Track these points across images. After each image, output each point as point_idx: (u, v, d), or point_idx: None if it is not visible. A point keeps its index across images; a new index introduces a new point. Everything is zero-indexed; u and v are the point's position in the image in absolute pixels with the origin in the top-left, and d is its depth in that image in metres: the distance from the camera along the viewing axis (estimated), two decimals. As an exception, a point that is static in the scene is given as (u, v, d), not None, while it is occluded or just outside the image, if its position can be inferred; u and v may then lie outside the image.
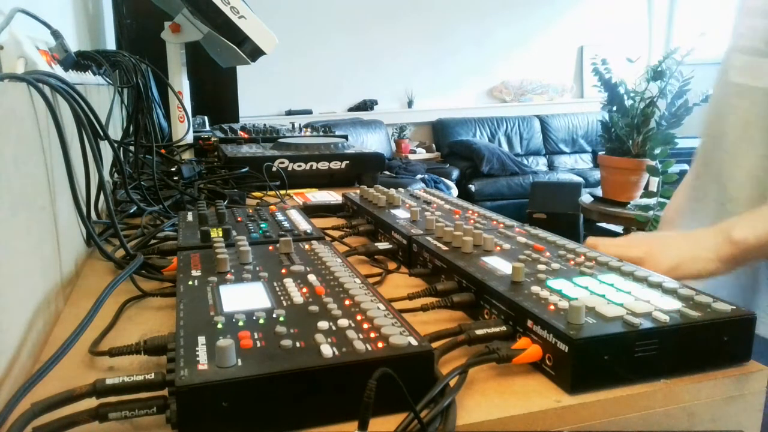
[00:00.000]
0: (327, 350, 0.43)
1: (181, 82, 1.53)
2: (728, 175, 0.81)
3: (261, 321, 0.48)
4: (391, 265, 0.80)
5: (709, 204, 0.85)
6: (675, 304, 0.52)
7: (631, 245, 0.75)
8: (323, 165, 1.37)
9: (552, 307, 0.52)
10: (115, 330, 0.60)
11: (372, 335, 0.46)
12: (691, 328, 0.49)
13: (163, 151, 1.45)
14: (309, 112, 4.96)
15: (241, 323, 0.48)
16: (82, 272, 0.79)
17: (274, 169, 1.31)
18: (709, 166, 0.86)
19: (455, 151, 5.09)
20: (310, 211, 1.06)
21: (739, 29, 0.80)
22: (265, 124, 1.89)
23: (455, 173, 4.83)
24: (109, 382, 0.41)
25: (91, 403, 0.40)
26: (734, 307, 0.51)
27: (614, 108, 2.71)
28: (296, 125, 1.95)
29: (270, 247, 0.71)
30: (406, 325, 0.47)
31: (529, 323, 0.51)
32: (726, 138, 0.82)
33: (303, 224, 0.85)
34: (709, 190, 0.86)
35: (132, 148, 1.13)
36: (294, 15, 4.65)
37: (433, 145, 5.31)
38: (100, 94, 1.19)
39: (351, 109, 5.16)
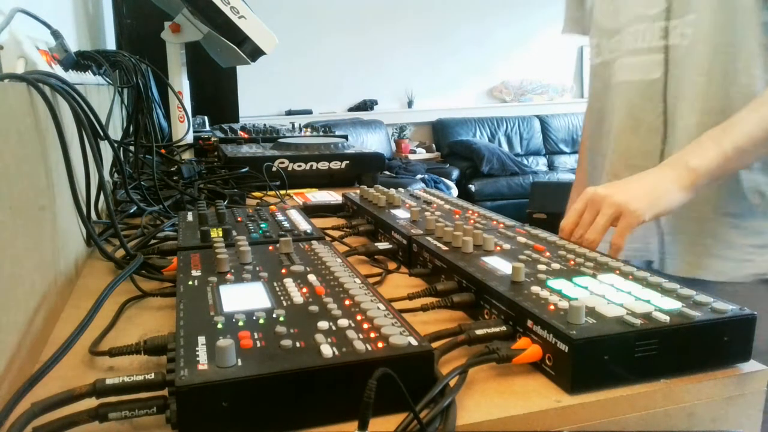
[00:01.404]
0: (327, 350, 0.43)
1: (181, 82, 1.53)
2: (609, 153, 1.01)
3: (261, 321, 0.48)
4: (391, 265, 0.80)
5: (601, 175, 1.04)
6: (675, 304, 0.52)
7: (601, 204, 0.77)
8: (323, 165, 1.37)
9: (552, 307, 0.52)
10: (115, 330, 0.60)
11: (372, 335, 0.46)
12: (691, 328, 0.49)
13: (163, 151, 1.45)
14: (309, 112, 4.95)
15: (241, 323, 0.48)
16: (82, 272, 0.79)
17: (274, 169, 1.31)
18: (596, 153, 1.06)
19: (455, 151, 5.08)
20: (310, 211, 1.06)
21: (622, 37, 0.96)
22: (265, 124, 1.89)
23: (455, 173, 4.83)
24: (109, 382, 0.41)
25: (91, 403, 0.41)
26: (734, 307, 0.51)
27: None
28: (296, 125, 1.96)
29: (270, 247, 0.71)
30: (406, 325, 0.47)
31: (529, 323, 0.51)
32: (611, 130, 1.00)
33: (303, 224, 0.85)
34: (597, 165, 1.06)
35: (132, 148, 1.13)
36: (294, 15, 4.65)
37: (433, 145, 5.31)
38: (100, 94, 1.19)
39: (351, 109, 5.16)
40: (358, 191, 1.06)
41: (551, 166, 5.40)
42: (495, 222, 0.84)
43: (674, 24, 0.89)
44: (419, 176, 4.47)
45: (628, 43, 0.95)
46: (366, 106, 5.13)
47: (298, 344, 0.44)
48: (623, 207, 0.74)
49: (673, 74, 0.90)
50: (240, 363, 0.41)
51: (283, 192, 1.25)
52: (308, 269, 0.62)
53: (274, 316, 0.49)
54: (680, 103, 0.89)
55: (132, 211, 1.01)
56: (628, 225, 0.74)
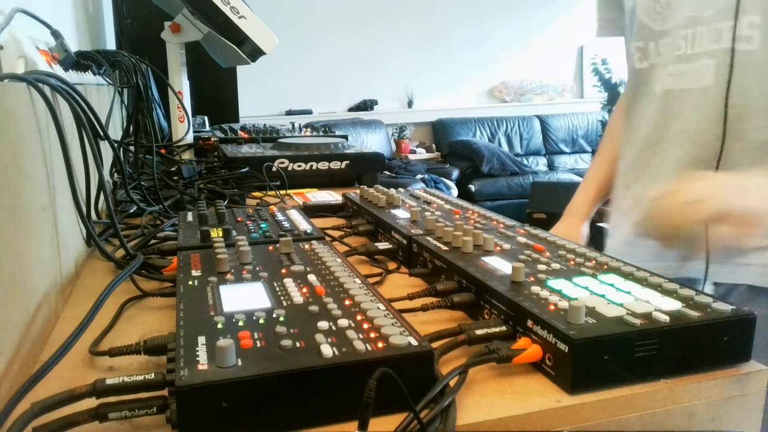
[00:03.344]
0: (327, 350, 0.43)
1: (181, 82, 1.53)
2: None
3: (261, 321, 0.48)
4: (391, 265, 0.80)
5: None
6: (675, 304, 0.52)
7: (708, 188, 0.75)
8: (323, 165, 1.37)
9: (552, 307, 0.52)
10: (115, 330, 0.60)
11: (372, 335, 0.46)
12: (691, 328, 0.49)
13: (163, 151, 1.45)
14: (309, 112, 4.96)
15: (241, 323, 0.48)
16: (82, 272, 0.79)
17: (274, 169, 1.31)
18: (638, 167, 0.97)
19: (455, 151, 5.09)
20: (310, 211, 1.06)
21: (672, 41, 0.88)
22: (265, 124, 1.89)
23: (455, 173, 4.83)
24: (109, 382, 0.41)
25: (91, 403, 0.41)
26: (734, 307, 0.51)
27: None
28: (296, 125, 1.96)
29: (270, 247, 0.71)
30: (406, 325, 0.47)
31: (529, 323, 0.51)
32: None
33: (303, 224, 0.85)
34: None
35: (132, 148, 1.13)
36: (294, 15, 4.66)
37: (433, 145, 5.31)
38: (100, 94, 1.19)
39: (351, 109, 5.17)
40: (358, 191, 1.06)
41: (551, 166, 5.40)
42: (495, 222, 0.84)
43: (737, 25, 0.80)
44: (419, 176, 4.48)
45: (673, 49, 0.87)
46: (366, 106, 5.14)
47: (298, 344, 0.44)
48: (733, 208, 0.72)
49: (736, 82, 0.81)
50: (240, 363, 0.41)
51: (283, 192, 1.25)
52: (308, 269, 0.62)
53: (274, 316, 0.49)
54: (744, 114, 0.81)
55: (132, 211, 1.01)
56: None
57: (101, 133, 0.76)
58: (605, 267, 0.63)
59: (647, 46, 0.93)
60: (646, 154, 0.95)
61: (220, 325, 0.47)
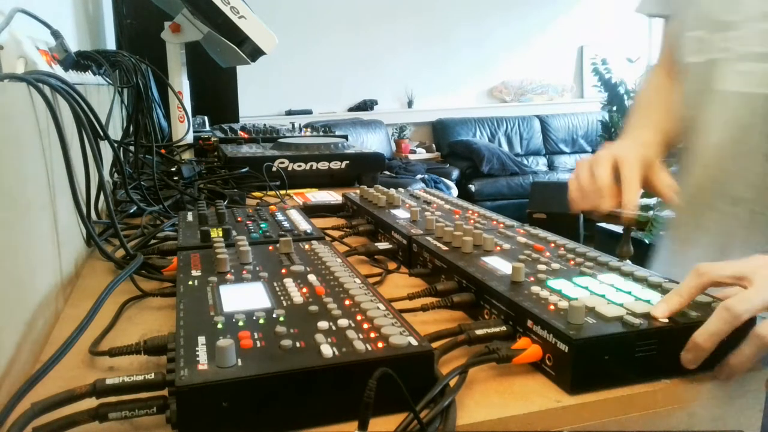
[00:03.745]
0: (327, 350, 0.43)
1: (181, 82, 1.53)
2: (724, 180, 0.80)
3: (261, 321, 0.49)
4: (391, 265, 0.80)
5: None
6: (675, 304, 0.52)
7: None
8: (323, 165, 1.38)
9: (552, 307, 0.52)
10: (115, 330, 0.60)
11: (372, 335, 0.46)
12: (691, 328, 0.49)
13: (163, 151, 1.45)
14: (309, 112, 4.95)
15: (241, 323, 0.48)
16: (82, 272, 0.79)
17: (274, 169, 1.31)
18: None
19: (455, 151, 5.09)
20: (310, 211, 1.06)
21: (738, 35, 0.77)
22: (265, 124, 1.89)
23: (455, 173, 4.83)
24: (109, 382, 0.41)
25: (91, 403, 0.41)
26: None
27: (614, 108, 2.71)
28: (296, 125, 1.95)
29: (270, 247, 0.71)
30: (406, 325, 0.47)
31: (529, 323, 0.51)
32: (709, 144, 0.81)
33: (303, 224, 0.85)
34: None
35: (132, 148, 1.13)
36: (294, 15, 4.65)
37: (433, 145, 5.31)
38: (100, 94, 1.19)
39: (351, 109, 5.16)
40: (358, 191, 1.06)
41: (551, 166, 5.40)
42: (495, 222, 0.84)
43: None
44: (419, 176, 4.47)
45: (744, 44, 0.76)
46: (366, 106, 5.13)
47: (298, 344, 0.44)
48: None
49: None
50: (240, 363, 0.41)
51: (283, 192, 1.25)
52: (308, 269, 0.62)
53: (274, 316, 0.49)
54: None
55: (132, 211, 1.01)
56: None
57: (101, 133, 0.76)
58: (605, 267, 0.63)
59: (709, 37, 0.80)
60: (690, 161, 0.83)
61: (220, 325, 0.47)
